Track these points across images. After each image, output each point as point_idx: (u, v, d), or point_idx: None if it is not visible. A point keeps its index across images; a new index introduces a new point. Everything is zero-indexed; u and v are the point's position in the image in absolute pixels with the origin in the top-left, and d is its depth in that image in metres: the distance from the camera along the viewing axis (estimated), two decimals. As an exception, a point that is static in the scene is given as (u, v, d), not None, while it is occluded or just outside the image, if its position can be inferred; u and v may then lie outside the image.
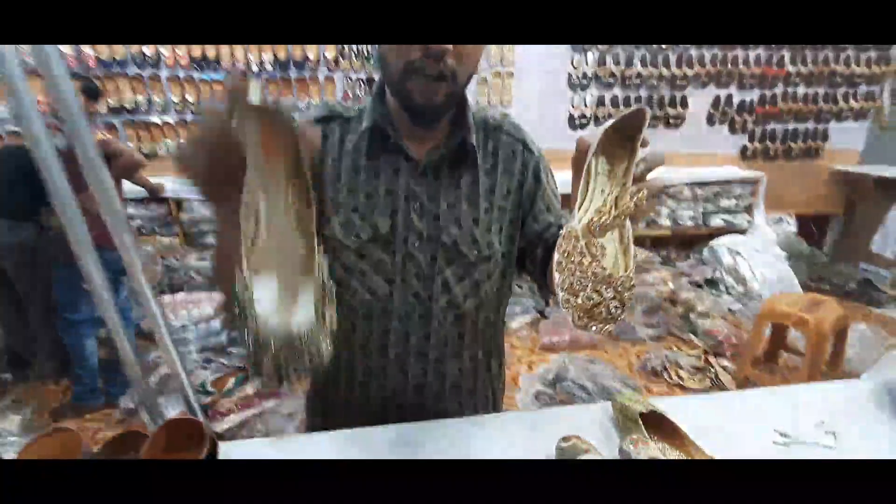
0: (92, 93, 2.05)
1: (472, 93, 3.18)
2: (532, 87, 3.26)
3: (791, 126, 3.57)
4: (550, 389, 2.20)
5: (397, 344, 0.71)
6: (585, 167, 0.52)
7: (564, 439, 0.66)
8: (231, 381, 2.15)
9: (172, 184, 2.80)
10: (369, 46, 2.96)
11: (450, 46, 0.56)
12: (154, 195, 2.67)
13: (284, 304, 0.40)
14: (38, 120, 0.63)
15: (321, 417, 0.82)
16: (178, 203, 2.81)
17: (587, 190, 0.52)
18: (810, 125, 3.57)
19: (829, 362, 2.15)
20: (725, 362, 2.50)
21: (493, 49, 3.10)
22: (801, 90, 3.48)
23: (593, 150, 0.51)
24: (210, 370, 2.26)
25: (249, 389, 2.12)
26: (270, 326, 0.38)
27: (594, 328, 0.46)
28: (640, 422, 0.68)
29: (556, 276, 0.48)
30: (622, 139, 0.52)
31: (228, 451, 0.66)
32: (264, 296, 0.39)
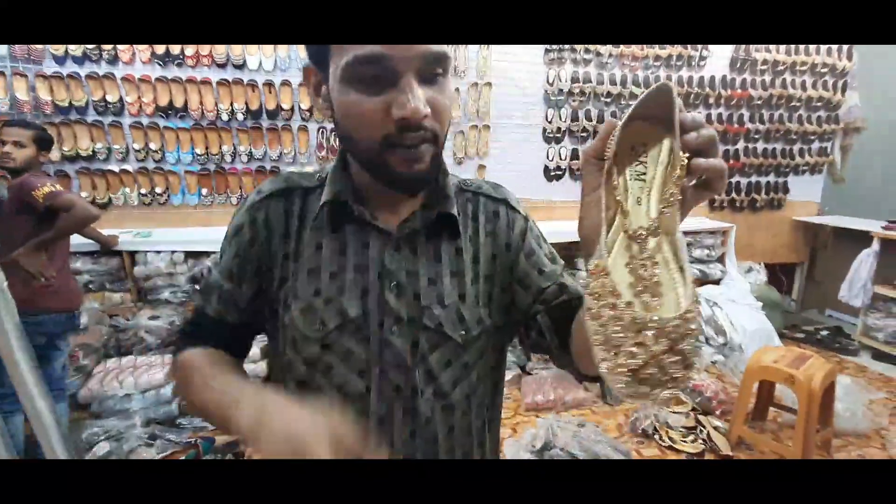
0: (45, 143, 1.90)
1: (449, 146, 3.18)
2: (508, 140, 3.29)
3: (754, 179, 3.72)
4: (538, 458, 2.03)
5: None
6: (604, 181, 0.43)
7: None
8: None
9: (127, 235, 2.61)
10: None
11: (427, 110, 0.49)
12: (107, 248, 2.47)
13: None
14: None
15: None
16: (132, 256, 2.58)
17: (613, 206, 0.42)
18: (772, 178, 3.74)
19: (820, 418, 2.08)
20: (716, 421, 2.40)
21: (469, 103, 3.14)
22: (760, 146, 3.66)
23: (612, 151, 0.41)
24: (156, 447, 1.99)
25: (200, 471, 1.86)
26: None
27: (652, 397, 0.34)
28: None
29: (588, 323, 0.37)
30: (652, 131, 0.42)
31: None
32: None
